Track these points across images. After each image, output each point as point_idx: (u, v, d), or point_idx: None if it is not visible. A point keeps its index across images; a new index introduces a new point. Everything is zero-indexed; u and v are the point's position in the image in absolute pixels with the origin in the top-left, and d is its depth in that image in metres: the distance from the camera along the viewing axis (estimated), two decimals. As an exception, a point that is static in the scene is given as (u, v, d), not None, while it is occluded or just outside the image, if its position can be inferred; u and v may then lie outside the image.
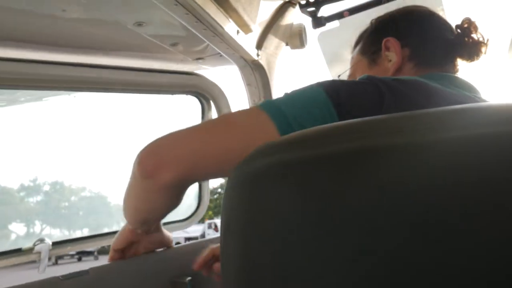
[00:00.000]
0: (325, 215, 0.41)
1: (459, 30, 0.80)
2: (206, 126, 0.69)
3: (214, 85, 1.53)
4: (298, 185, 0.43)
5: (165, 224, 1.31)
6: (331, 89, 0.57)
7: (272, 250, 0.44)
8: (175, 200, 0.68)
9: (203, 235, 19.97)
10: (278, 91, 1.42)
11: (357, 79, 0.62)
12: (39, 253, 1.11)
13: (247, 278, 0.46)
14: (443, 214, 0.38)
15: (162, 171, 0.58)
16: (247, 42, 1.19)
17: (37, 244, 1.12)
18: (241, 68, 1.33)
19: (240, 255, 0.47)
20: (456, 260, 0.37)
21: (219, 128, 0.61)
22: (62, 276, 0.65)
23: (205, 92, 1.53)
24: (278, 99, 0.59)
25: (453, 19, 0.83)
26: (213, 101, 1.55)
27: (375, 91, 0.57)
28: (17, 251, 1.10)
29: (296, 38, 1.41)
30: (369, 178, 0.40)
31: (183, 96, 1.51)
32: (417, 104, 0.55)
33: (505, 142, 0.38)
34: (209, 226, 20.09)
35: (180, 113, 1.61)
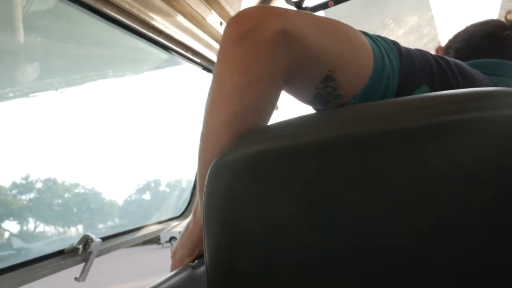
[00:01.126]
0: (300, 204, 0.42)
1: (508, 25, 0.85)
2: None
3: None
4: (275, 175, 0.43)
5: (160, 222, 1.31)
6: (397, 44, 0.58)
7: (252, 239, 0.44)
8: (272, 81, 0.49)
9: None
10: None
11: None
12: (89, 253, 0.91)
13: (229, 265, 0.46)
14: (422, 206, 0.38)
15: (268, 19, 0.46)
16: (232, 33, 1.19)
17: (88, 243, 0.91)
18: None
19: (222, 245, 0.48)
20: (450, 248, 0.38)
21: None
22: (193, 264, 0.66)
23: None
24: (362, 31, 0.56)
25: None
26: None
27: (428, 63, 0.58)
28: (60, 254, 0.89)
29: (282, 29, 1.40)
30: (345, 167, 0.41)
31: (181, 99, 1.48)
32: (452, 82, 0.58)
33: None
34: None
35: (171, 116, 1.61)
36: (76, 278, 0.90)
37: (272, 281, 0.43)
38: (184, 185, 1.68)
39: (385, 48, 0.54)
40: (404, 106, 0.42)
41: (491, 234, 0.37)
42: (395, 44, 0.57)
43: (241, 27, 0.46)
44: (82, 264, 0.92)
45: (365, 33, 0.54)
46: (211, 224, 0.48)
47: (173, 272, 0.62)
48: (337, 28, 0.52)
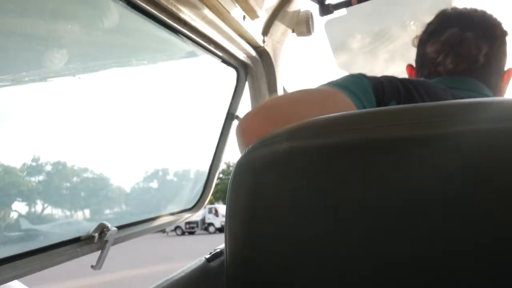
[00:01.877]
0: (326, 203, 0.41)
1: None
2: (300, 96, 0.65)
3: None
4: (303, 173, 0.43)
5: (173, 214, 1.32)
6: (369, 76, 0.65)
7: (276, 235, 0.44)
8: None
9: (203, 220, 20.25)
10: (283, 78, 1.42)
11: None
12: (104, 241, 0.89)
13: (249, 259, 0.47)
14: (445, 209, 0.38)
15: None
16: (253, 28, 1.18)
17: (104, 232, 0.90)
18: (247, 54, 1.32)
19: (244, 240, 0.48)
20: (455, 253, 0.38)
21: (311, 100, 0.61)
22: (207, 258, 0.66)
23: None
24: (338, 81, 0.63)
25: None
26: (251, 71, 1.40)
27: (395, 85, 0.66)
28: (76, 241, 0.88)
29: (303, 25, 1.40)
30: (372, 169, 0.40)
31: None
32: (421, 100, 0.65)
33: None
34: (210, 211, 20.22)
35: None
36: (92, 266, 0.89)
37: (291, 278, 0.43)
38: (192, 175, 1.68)
39: (365, 100, 0.61)
40: (436, 112, 0.42)
41: (493, 238, 0.37)
42: (374, 89, 0.63)
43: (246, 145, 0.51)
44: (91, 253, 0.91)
45: (352, 91, 0.60)
46: (234, 219, 0.48)
47: (188, 266, 0.63)
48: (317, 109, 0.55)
